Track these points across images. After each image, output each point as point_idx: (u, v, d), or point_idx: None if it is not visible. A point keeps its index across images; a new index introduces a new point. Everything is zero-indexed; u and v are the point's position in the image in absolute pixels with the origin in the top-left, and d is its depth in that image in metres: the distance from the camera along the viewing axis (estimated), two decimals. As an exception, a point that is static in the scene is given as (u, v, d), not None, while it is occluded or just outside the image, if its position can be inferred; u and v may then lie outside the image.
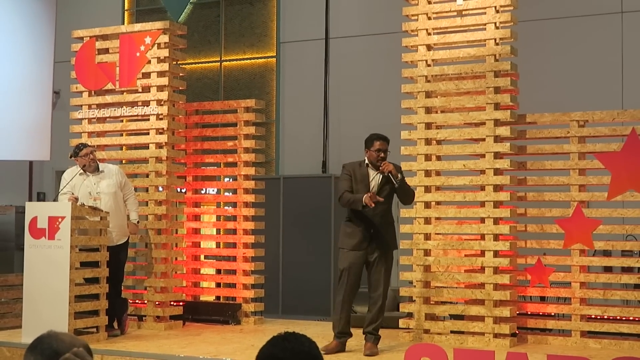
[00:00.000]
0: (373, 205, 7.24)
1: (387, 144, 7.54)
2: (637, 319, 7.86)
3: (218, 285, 10.17)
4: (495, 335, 7.86)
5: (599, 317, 8.00)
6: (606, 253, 9.03)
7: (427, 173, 8.33)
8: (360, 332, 7.62)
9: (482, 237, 8.05)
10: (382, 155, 7.46)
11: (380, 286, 7.51)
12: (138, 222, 8.84)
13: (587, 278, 7.98)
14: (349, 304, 7.58)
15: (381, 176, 7.46)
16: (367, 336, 7.53)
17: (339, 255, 7.65)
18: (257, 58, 13.89)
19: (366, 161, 7.58)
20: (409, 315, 8.42)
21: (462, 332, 8.04)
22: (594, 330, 7.95)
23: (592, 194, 8.02)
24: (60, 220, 7.86)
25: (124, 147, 9.79)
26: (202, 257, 10.22)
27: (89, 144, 8.93)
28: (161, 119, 9.32)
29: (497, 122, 8.08)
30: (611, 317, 7.97)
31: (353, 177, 7.53)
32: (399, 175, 7.40)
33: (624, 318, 7.92)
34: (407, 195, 7.60)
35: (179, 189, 9.80)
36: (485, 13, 8.21)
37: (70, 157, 8.67)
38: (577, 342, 7.86)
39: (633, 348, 7.67)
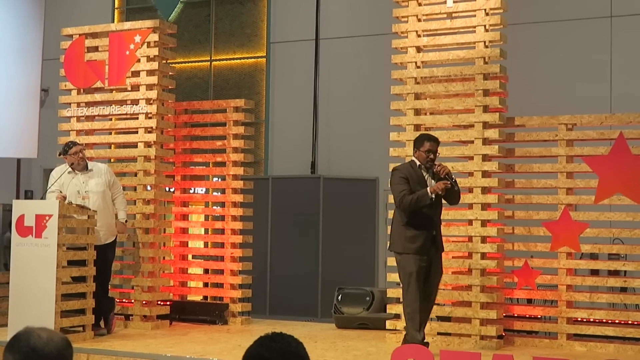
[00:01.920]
0: (442, 192, 7.05)
1: (437, 145, 7.34)
2: (623, 322, 7.89)
3: (205, 285, 10.16)
4: (482, 337, 7.88)
5: (585, 319, 8.03)
6: (593, 256, 9.07)
7: (416, 175, 8.33)
8: (350, 332, 7.61)
9: (470, 239, 8.07)
10: (432, 156, 7.25)
11: (436, 290, 7.37)
12: (126, 221, 8.83)
13: (573, 281, 8.01)
14: (419, 310, 7.25)
15: (433, 178, 7.27)
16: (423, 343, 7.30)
17: (402, 260, 7.30)
18: (247, 58, 13.88)
19: (417, 162, 7.34)
20: (396, 316, 8.43)
21: (449, 334, 8.06)
22: (580, 333, 7.98)
23: (580, 197, 8.06)
24: (47, 218, 7.84)
25: (112, 146, 9.76)
26: (189, 256, 10.20)
27: (78, 142, 8.90)
28: (150, 117, 9.31)
29: (486, 125, 8.10)
30: (597, 320, 8.00)
31: (410, 179, 7.24)
32: (453, 177, 7.24)
33: (610, 321, 7.95)
34: (457, 197, 7.40)
35: (167, 188, 9.78)
36: (475, 15, 8.23)
37: (59, 155, 8.65)
38: (563, 345, 7.89)
39: (619, 351, 7.69)
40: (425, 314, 7.38)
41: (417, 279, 7.22)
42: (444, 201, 7.40)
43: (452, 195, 7.31)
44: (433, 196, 7.07)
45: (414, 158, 7.41)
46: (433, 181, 7.27)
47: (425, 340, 7.21)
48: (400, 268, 7.39)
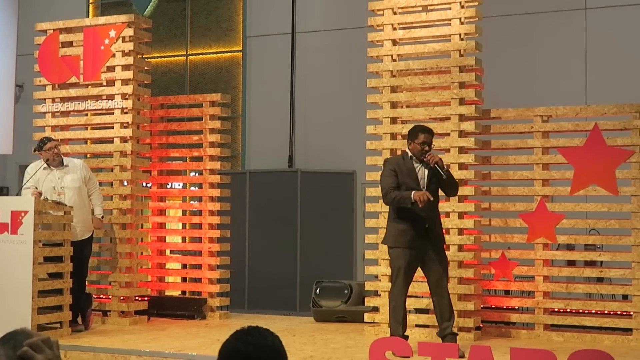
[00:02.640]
0: (421, 205, 6.94)
1: (432, 137, 7.23)
2: (599, 312, 7.95)
3: (183, 279, 10.14)
4: (460, 329, 7.90)
5: (561, 310, 8.08)
6: (569, 247, 9.13)
7: (393, 167, 8.35)
8: (329, 326, 7.60)
9: (447, 231, 8.09)
10: (427, 148, 7.13)
11: (443, 283, 7.23)
12: (103, 217, 8.79)
13: (550, 272, 8.06)
14: (405, 305, 7.26)
15: (426, 169, 7.16)
16: (449, 337, 7.22)
17: (392, 254, 7.27)
18: (223, 52, 13.84)
19: (409, 154, 7.23)
20: (375, 309, 8.46)
21: (427, 326, 8.08)
22: (557, 324, 8.04)
23: (556, 189, 8.11)
24: (23, 214, 7.78)
25: (88, 141, 9.72)
26: (167, 251, 10.18)
27: (54, 137, 8.83)
28: (126, 112, 9.27)
29: (462, 117, 8.13)
30: (574, 311, 8.06)
31: (399, 171, 7.15)
32: (444, 167, 7.15)
33: (586, 311, 8.01)
34: (453, 187, 7.32)
35: (144, 183, 9.75)
36: (450, 8, 8.25)
37: (34, 150, 8.59)
38: (540, 335, 7.94)
39: (595, 341, 7.75)
40: (439, 308, 7.28)
41: (405, 273, 7.17)
42: (441, 193, 7.36)
43: (445, 186, 7.24)
44: (414, 201, 6.97)
45: (407, 150, 7.31)
46: (426, 171, 7.18)
47: (405, 334, 7.23)
48: (390, 262, 7.38)
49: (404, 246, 7.16)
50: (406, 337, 7.05)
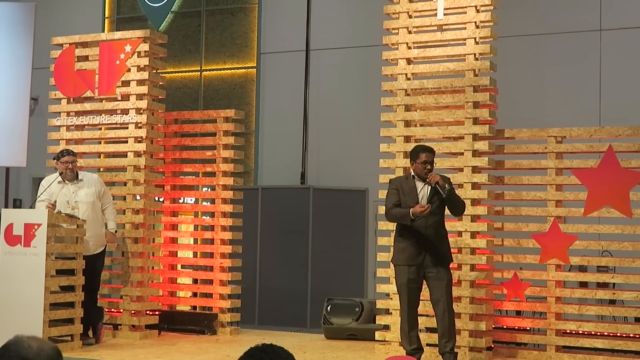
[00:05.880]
0: (425, 214, 6.98)
1: (433, 156, 7.27)
2: (611, 334, 7.90)
3: (194, 294, 10.14)
4: (471, 349, 7.87)
5: (574, 332, 8.03)
6: (582, 268, 9.09)
7: (406, 186, 8.34)
8: (339, 343, 7.59)
9: (459, 250, 8.08)
10: (429, 167, 7.18)
11: (443, 302, 7.18)
12: (116, 231, 8.80)
13: (562, 293, 8.02)
14: (414, 319, 7.29)
15: (429, 188, 7.18)
16: (446, 355, 7.22)
17: (395, 271, 7.34)
18: (238, 68, 13.89)
19: (412, 173, 7.32)
20: (386, 327, 8.43)
21: (437, 345, 8.04)
22: (569, 345, 7.99)
23: (569, 210, 8.07)
24: (36, 227, 7.81)
25: (102, 155, 9.75)
26: (179, 266, 10.18)
27: (74, 152, 8.77)
28: (140, 127, 9.30)
29: (476, 137, 8.12)
30: (586, 332, 8.01)
31: (400, 190, 7.25)
32: (446, 186, 7.13)
33: (598, 333, 7.96)
34: (456, 207, 7.32)
35: (156, 198, 9.77)
36: (465, 28, 8.26)
37: (53, 159, 8.65)
38: (552, 357, 7.89)
39: (607, 363, 7.71)
40: (439, 327, 7.26)
41: (407, 291, 7.20)
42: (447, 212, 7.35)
43: (448, 205, 7.25)
44: (413, 217, 7.05)
45: (411, 170, 7.37)
46: (428, 191, 7.20)
47: (413, 348, 7.23)
48: (394, 279, 7.42)
49: (403, 263, 7.22)
50: (417, 352, 7.15)
